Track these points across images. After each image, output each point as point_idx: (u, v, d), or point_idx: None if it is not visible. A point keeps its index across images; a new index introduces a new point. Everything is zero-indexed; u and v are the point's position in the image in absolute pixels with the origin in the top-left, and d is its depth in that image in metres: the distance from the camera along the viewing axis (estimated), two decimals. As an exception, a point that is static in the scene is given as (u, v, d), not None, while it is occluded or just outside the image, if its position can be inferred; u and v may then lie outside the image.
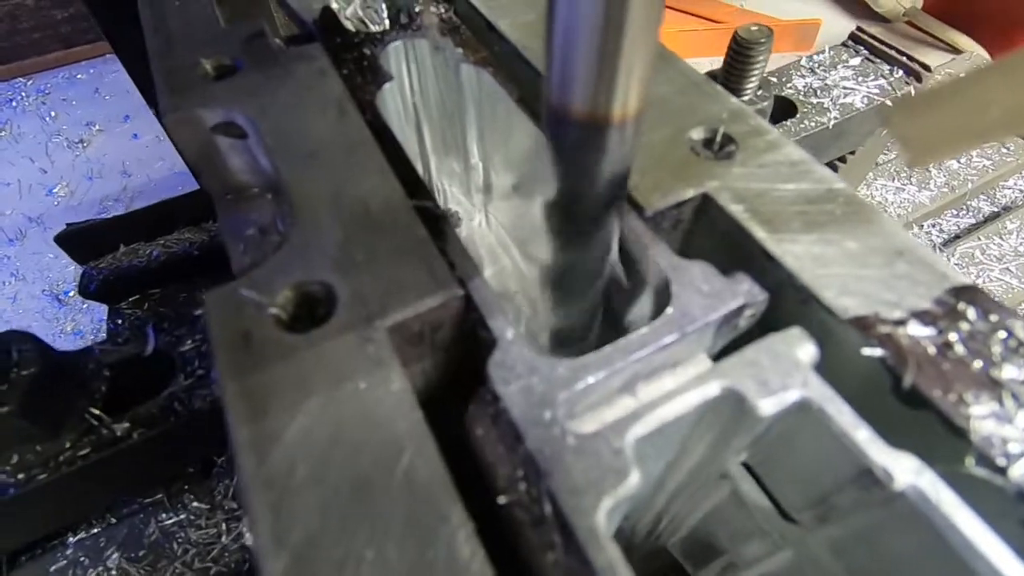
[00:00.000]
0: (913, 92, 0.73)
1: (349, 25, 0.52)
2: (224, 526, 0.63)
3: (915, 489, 0.25)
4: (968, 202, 1.00)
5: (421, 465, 0.26)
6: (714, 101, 0.42)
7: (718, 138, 0.39)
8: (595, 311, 0.41)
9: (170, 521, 0.63)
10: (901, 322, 0.30)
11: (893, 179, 0.96)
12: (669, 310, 0.31)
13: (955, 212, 0.99)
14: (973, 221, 0.98)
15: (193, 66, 0.46)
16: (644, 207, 0.36)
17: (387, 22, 0.53)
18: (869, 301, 0.31)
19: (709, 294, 0.31)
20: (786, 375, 0.28)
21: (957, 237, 0.93)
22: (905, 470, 0.25)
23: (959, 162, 0.99)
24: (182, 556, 0.60)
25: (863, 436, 0.26)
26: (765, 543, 0.38)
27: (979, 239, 0.89)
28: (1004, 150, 1.00)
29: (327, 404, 0.28)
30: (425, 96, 0.53)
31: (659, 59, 0.46)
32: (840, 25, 2.49)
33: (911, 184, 0.96)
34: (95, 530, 0.62)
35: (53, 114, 2.42)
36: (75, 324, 1.74)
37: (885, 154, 1.03)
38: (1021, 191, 1.01)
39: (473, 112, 0.51)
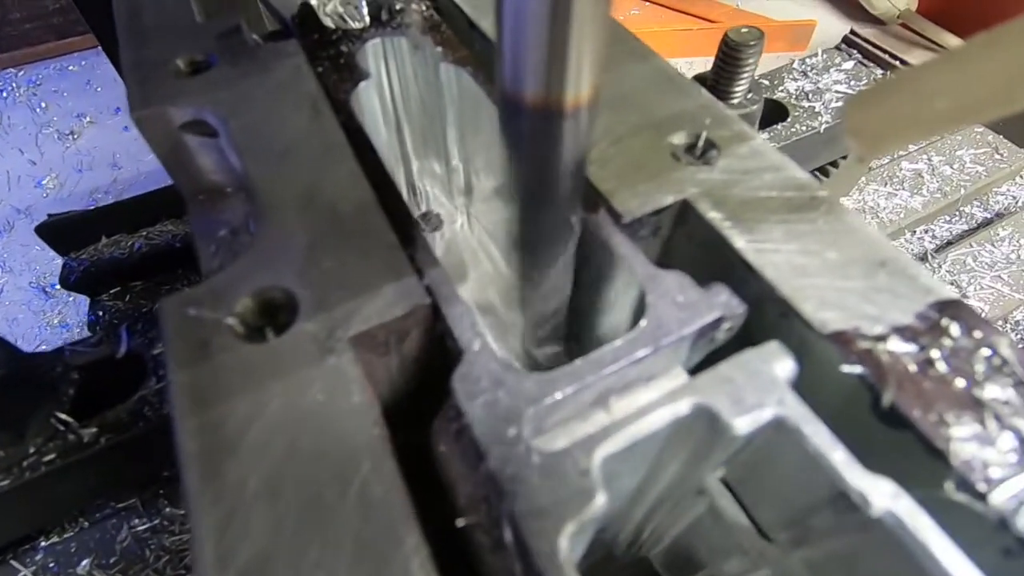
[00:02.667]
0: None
1: (328, 22, 0.51)
2: (198, 531, 0.61)
3: (891, 515, 0.24)
4: (961, 208, 0.99)
5: (377, 483, 0.25)
6: (695, 102, 0.41)
7: (700, 143, 0.38)
8: (560, 304, 0.40)
9: (143, 527, 0.61)
10: (882, 338, 0.28)
11: (885, 184, 0.95)
12: (643, 322, 0.30)
13: (948, 218, 0.98)
14: (966, 227, 0.97)
15: (165, 62, 0.45)
16: (622, 213, 0.35)
17: (367, 19, 0.51)
18: (849, 315, 0.29)
19: (685, 306, 0.30)
20: (762, 392, 0.27)
21: (950, 243, 0.93)
22: (882, 495, 0.24)
23: (952, 167, 0.98)
24: (154, 563, 0.59)
25: (839, 458, 0.25)
26: (744, 560, 0.37)
27: (971, 246, 0.88)
28: (998, 156, 0.99)
29: (284, 416, 0.27)
30: (405, 96, 0.52)
31: (638, 57, 0.45)
32: (834, 26, 2.48)
33: (904, 189, 0.95)
34: (67, 534, 0.61)
35: (44, 105, 2.39)
36: (62, 317, 1.72)
37: (878, 159, 1.02)
38: (1014, 197, 1.00)
39: (453, 113, 0.50)
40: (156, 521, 0.62)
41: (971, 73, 0.26)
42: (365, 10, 0.51)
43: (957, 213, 0.99)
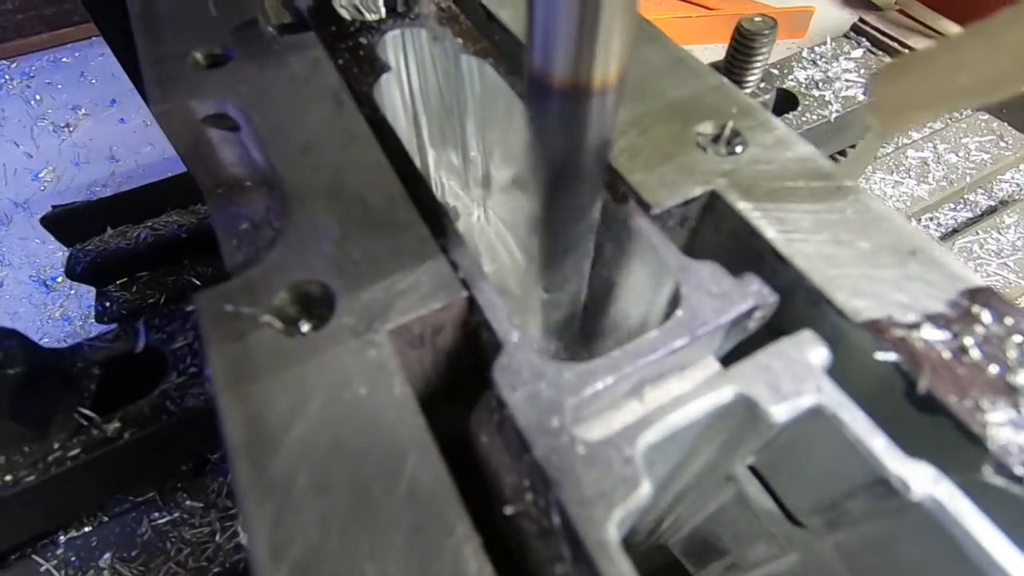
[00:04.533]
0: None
1: (344, 13, 0.51)
2: (218, 525, 0.62)
3: (932, 499, 0.24)
4: (966, 196, 0.99)
5: (425, 474, 0.25)
6: (721, 95, 0.41)
7: (726, 133, 0.38)
8: (578, 293, 0.40)
9: (163, 520, 0.62)
10: (915, 325, 0.29)
11: (892, 172, 0.96)
12: (679, 312, 0.30)
13: (953, 206, 0.99)
14: (970, 215, 0.98)
15: (183, 55, 0.45)
16: (651, 204, 0.35)
17: (383, 10, 0.51)
18: (882, 303, 0.30)
19: (719, 296, 0.30)
20: (799, 380, 0.27)
21: (955, 231, 0.93)
22: (922, 479, 0.24)
23: (957, 155, 0.99)
24: (176, 556, 0.59)
25: (879, 444, 0.25)
26: (770, 546, 0.37)
27: (977, 233, 0.89)
28: (1003, 144, 1.00)
29: (327, 410, 0.27)
30: (423, 88, 0.52)
31: (648, 39, 0.45)
32: (832, 13, 2.47)
33: (910, 178, 0.95)
34: (86, 529, 0.61)
35: (38, 97, 2.37)
36: (63, 310, 1.72)
37: (884, 147, 1.02)
38: (1018, 185, 1.00)
39: (472, 104, 0.50)
40: (176, 514, 0.62)
41: (995, 48, 0.27)
42: (381, 1, 0.51)
43: (962, 201, 1.00)
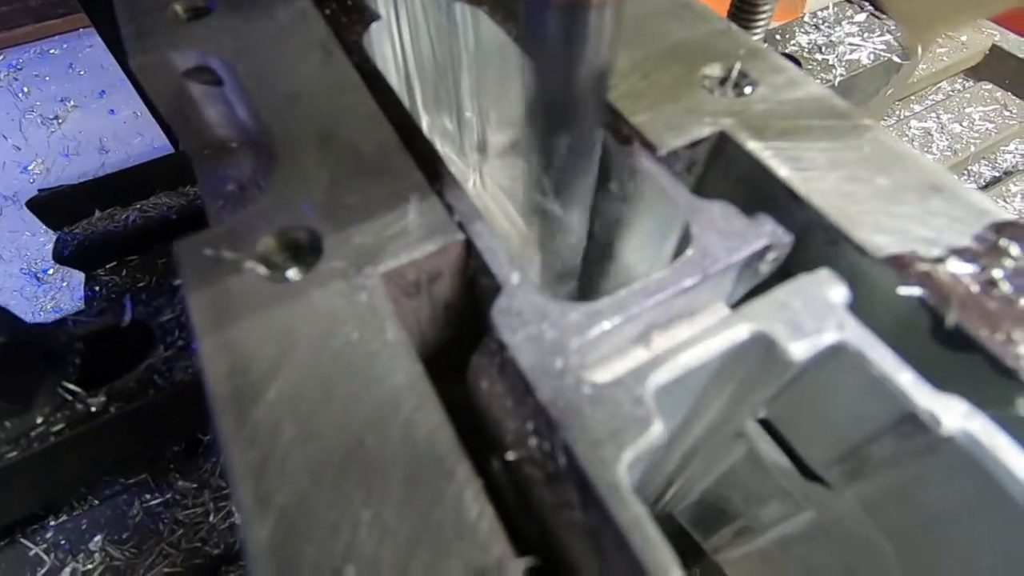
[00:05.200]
0: None
1: (331, -34, 0.48)
2: (212, 505, 0.60)
3: (965, 434, 0.23)
4: (969, 167, 0.98)
5: (422, 419, 0.23)
6: (727, 38, 0.39)
7: (734, 75, 0.36)
8: (579, 242, 0.39)
9: (155, 501, 0.60)
10: (940, 259, 0.27)
11: (895, 143, 0.94)
12: (689, 251, 0.28)
13: (956, 177, 0.97)
14: (974, 186, 0.96)
15: (162, 8, 0.43)
16: (656, 146, 0.33)
17: (372, -37, 0.49)
18: (904, 239, 0.28)
19: (731, 235, 0.29)
20: (820, 317, 0.26)
21: (960, 201, 0.91)
22: (954, 414, 0.23)
23: (961, 125, 0.97)
24: (168, 537, 0.58)
25: (906, 379, 0.24)
26: (784, 504, 0.36)
27: (982, 202, 0.87)
28: (1007, 113, 0.98)
29: (315, 357, 0.25)
30: (415, 45, 0.50)
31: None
32: (832, -4, 2.45)
33: (913, 148, 0.93)
34: (76, 512, 0.60)
35: (26, 90, 2.33)
36: (55, 302, 1.70)
37: (887, 118, 1.00)
38: (1022, 155, 0.99)
39: (467, 60, 0.48)
40: (168, 495, 0.60)
41: None
42: (370, -47, 0.49)
43: (965, 172, 0.98)
